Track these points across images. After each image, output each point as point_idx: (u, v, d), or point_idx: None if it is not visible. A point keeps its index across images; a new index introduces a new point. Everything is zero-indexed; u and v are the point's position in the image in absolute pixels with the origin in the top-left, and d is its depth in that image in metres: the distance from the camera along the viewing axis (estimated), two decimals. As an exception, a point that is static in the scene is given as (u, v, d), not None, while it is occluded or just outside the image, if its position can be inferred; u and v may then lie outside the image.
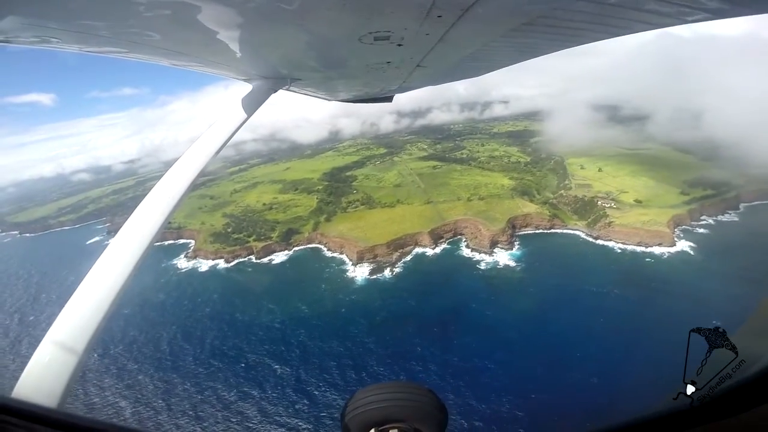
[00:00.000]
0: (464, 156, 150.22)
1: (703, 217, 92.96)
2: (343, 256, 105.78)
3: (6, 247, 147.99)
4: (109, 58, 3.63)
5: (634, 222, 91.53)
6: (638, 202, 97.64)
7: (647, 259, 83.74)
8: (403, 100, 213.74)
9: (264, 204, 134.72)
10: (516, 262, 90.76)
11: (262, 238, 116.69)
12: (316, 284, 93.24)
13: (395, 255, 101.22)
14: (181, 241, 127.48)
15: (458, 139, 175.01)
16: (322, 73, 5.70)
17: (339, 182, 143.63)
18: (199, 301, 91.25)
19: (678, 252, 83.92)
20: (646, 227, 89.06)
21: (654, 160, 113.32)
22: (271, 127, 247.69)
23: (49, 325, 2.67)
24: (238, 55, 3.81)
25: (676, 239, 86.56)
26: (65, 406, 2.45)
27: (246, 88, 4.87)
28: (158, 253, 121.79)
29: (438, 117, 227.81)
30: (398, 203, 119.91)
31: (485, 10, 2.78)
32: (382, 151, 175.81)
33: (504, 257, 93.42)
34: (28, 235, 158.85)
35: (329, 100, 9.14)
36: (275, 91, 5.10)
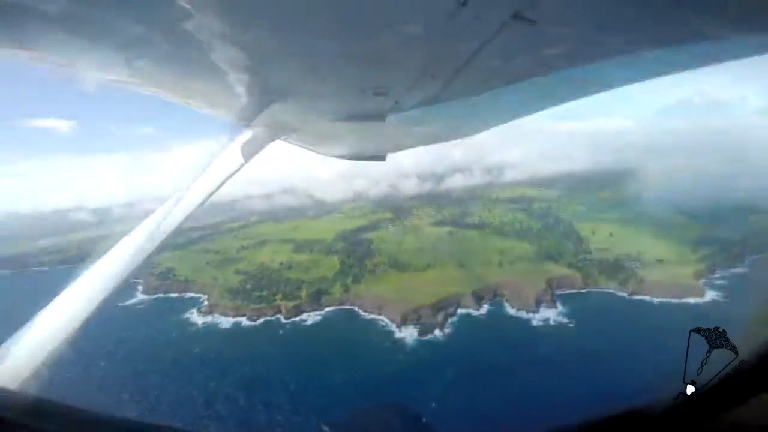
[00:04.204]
0: (476, 222, 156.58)
1: (717, 272, 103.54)
2: (382, 317, 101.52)
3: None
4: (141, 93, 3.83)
5: (662, 278, 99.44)
6: (660, 261, 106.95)
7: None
8: (402, 164, 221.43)
9: (281, 263, 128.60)
10: (567, 318, 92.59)
11: (290, 297, 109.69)
12: (368, 345, 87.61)
13: (440, 316, 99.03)
14: (189, 295, 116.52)
15: (462, 204, 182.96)
16: (320, 126, 5.79)
17: (355, 245, 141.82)
18: (248, 361, 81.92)
19: (710, 301, 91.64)
20: (675, 281, 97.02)
21: (655, 223, 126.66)
22: (277, 183, 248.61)
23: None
24: (242, 99, 3.89)
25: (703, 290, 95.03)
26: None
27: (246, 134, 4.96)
28: (164, 304, 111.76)
29: (438, 182, 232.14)
30: (429, 267, 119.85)
31: (477, 71, 2.90)
32: (389, 215, 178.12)
33: (552, 314, 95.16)
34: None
35: (325, 154, 9.25)
36: (273, 140, 5.15)
